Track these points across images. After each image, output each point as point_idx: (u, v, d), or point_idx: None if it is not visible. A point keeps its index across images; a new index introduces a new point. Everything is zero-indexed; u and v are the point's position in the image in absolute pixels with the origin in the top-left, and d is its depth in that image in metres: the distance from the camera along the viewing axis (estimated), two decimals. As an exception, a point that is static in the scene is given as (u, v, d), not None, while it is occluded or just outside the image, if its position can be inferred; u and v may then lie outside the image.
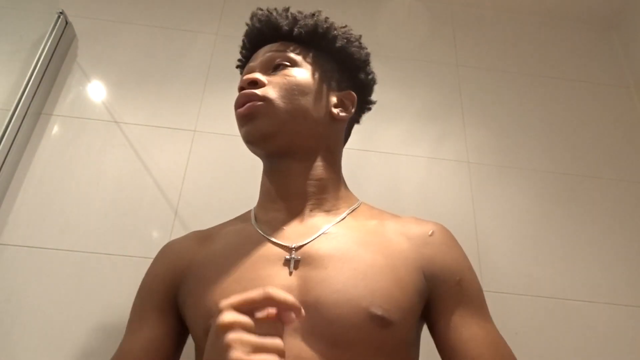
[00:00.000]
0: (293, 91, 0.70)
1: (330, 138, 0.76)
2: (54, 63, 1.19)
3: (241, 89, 0.72)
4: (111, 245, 1.02)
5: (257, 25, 0.78)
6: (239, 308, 0.44)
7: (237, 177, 1.11)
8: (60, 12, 1.21)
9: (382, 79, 1.42)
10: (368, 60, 0.83)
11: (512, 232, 1.14)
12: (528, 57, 1.44)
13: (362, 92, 0.83)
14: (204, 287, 0.62)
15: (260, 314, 0.44)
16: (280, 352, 0.43)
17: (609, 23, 1.53)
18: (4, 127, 1.04)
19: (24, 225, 1.02)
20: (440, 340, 0.63)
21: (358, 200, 0.76)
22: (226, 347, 0.42)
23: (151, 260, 0.74)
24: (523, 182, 1.22)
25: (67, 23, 1.24)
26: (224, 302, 0.45)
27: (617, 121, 1.35)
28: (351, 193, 0.77)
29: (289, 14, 0.78)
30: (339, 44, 0.77)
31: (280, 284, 0.58)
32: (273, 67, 0.73)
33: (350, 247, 0.63)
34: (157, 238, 1.03)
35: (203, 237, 0.73)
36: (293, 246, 0.63)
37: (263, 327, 0.44)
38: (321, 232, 0.66)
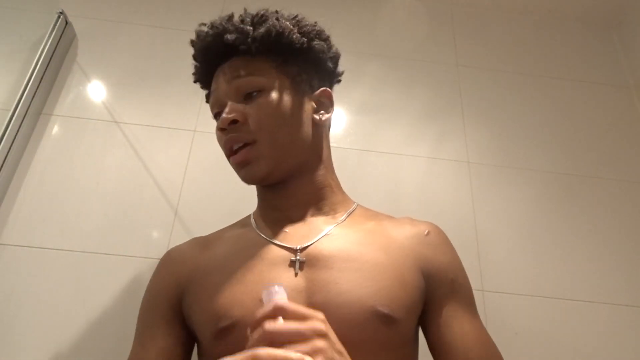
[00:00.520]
0: (276, 121, 0.68)
1: (318, 144, 0.75)
2: (54, 63, 1.19)
3: (222, 129, 0.69)
4: (111, 245, 1.02)
5: (206, 44, 0.73)
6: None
7: (237, 177, 1.11)
8: (60, 12, 1.21)
9: (382, 79, 1.43)
10: (329, 43, 0.77)
11: (512, 232, 1.14)
12: (528, 57, 1.44)
13: (330, 75, 0.80)
14: (210, 292, 0.62)
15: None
16: None
17: (609, 23, 1.53)
18: (4, 127, 1.04)
19: (24, 225, 1.02)
20: (432, 336, 0.65)
21: (354, 202, 0.76)
22: None
23: (151, 261, 0.74)
24: (523, 182, 1.22)
25: (67, 23, 1.24)
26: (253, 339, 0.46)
27: (617, 121, 1.35)
28: (347, 196, 0.78)
29: (236, 26, 0.71)
30: (297, 45, 0.72)
31: (287, 286, 0.59)
32: (244, 96, 0.70)
33: (353, 247, 0.64)
34: (157, 238, 1.03)
35: (204, 243, 0.73)
36: (298, 248, 0.64)
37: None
38: (324, 233, 0.66)
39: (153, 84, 1.25)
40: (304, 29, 0.73)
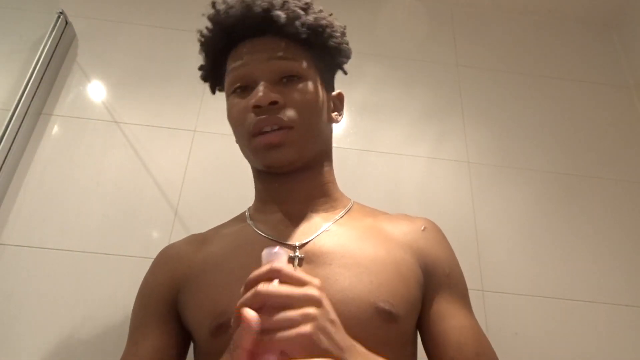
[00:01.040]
0: (311, 111, 0.68)
1: (328, 142, 0.76)
2: (54, 63, 1.19)
3: (256, 107, 0.65)
4: (111, 245, 1.02)
5: (242, 14, 0.67)
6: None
7: (237, 177, 1.11)
8: (60, 12, 1.21)
9: (382, 79, 1.43)
10: (349, 47, 0.77)
11: (512, 232, 1.14)
12: (528, 57, 1.44)
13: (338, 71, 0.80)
14: (208, 290, 0.62)
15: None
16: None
17: (609, 23, 1.53)
18: (4, 127, 1.04)
19: (24, 225, 1.02)
20: (426, 329, 0.64)
21: (351, 200, 0.76)
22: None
23: (151, 261, 0.73)
24: (523, 182, 1.22)
25: (67, 23, 1.24)
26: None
27: (617, 121, 1.35)
28: (344, 193, 0.78)
29: (286, 6, 0.68)
30: (334, 43, 0.72)
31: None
32: (279, 78, 0.67)
33: (352, 243, 0.64)
34: (157, 238, 1.03)
35: (200, 241, 0.72)
36: (297, 244, 0.63)
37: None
38: (322, 229, 0.66)
39: (153, 84, 1.25)
40: (341, 29, 0.73)
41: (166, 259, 0.72)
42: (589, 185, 1.23)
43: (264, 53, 0.68)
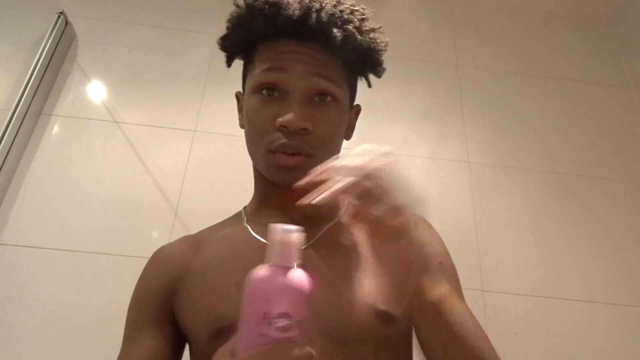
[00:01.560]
0: (333, 138, 0.66)
1: (336, 154, 0.75)
2: (54, 63, 1.20)
3: (283, 127, 0.62)
4: (111, 245, 1.01)
5: (305, 17, 0.63)
6: None
7: (237, 177, 1.11)
8: (60, 12, 1.22)
9: (382, 79, 1.42)
10: (384, 67, 0.72)
11: (512, 232, 1.14)
12: (528, 57, 1.44)
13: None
14: (206, 294, 0.61)
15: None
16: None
17: (610, 23, 1.52)
18: (4, 127, 1.04)
19: (24, 225, 1.02)
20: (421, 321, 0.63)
21: (345, 201, 0.76)
22: None
23: (151, 261, 0.73)
24: (523, 182, 1.22)
25: (67, 23, 1.24)
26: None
27: (617, 121, 1.35)
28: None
29: (345, 19, 0.64)
30: (374, 65, 0.69)
31: None
32: (314, 95, 0.64)
33: (349, 246, 0.64)
34: (157, 238, 1.03)
35: (195, 242, 0.72)
36: None
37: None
38: (320, 233, 0.66)
39: (153, 84, 1.24)
40: (384, 49, 0.69)
41: (160, 262, 0.71)
42: (589, 185, 1.23)
43: (306, 66, 0.64)
